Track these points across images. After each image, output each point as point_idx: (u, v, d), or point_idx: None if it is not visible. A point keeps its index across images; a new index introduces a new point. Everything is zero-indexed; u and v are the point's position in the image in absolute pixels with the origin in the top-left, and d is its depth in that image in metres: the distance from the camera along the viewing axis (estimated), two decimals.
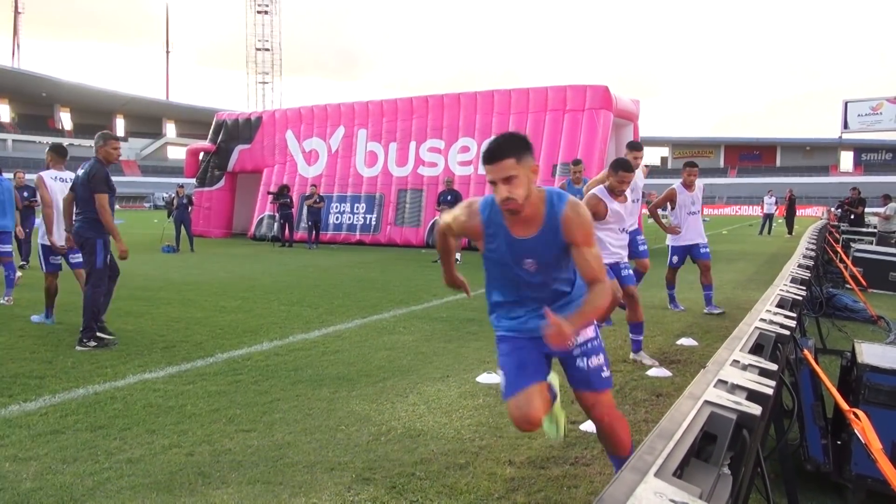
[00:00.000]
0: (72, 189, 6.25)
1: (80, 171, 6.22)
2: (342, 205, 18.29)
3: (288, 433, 3.66)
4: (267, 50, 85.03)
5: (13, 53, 75.38)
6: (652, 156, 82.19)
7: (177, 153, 75.89)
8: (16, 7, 75.47)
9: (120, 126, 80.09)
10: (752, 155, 78.21)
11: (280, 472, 3.15)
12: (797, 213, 25.83)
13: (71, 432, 3.63)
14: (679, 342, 5.93)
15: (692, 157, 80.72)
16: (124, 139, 78.63)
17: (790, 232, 23.07)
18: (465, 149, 16.96)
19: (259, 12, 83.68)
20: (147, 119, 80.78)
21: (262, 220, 19.56)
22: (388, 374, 4.84)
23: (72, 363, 5.06)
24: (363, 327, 6.57)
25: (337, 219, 18.25)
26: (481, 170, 16.52)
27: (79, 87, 71.03)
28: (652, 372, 4.87)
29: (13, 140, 68.47)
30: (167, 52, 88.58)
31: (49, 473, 3.11)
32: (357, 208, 18.13)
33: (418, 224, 17.16)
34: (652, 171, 75.46)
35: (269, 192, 18.81)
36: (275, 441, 3.54)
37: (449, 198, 13.53)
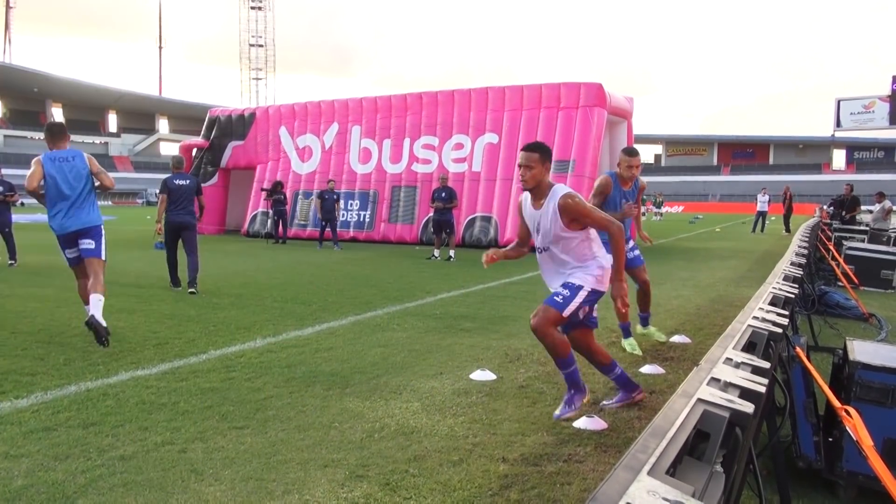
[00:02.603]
0: (170, 192, 8.63)
1: (185, 182, 8.71)
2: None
3: (281, 430, 3.65)
4: (260, 46, 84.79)
5: (4, 49, 74.81)
6: (645, 153, 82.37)
7: (170, 149, 75.58)
8: (7, 2, 74.88)
9: (112, 122, 79.70)
10: (745, 153, 78.48)
11: (273, 469, 3.15)
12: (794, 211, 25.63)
13: (63, 429, 3.61)
14: (672, 339, 5.95)
15: (686, 154, 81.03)
16: (116, 135, 78.31)
17: (787, 230, 23.02)
18: (459, 146, 16.94)
19: (252, 8, 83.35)
20: (140, 115, 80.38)
21: (255, 216, 19.52)
22: (381, 372, 4.84)
23: (64, 360, 5.03)
24: (357, 324, 6.57)
25: None
26: (475, 166, 16.56)
27: (71, 83, 70.61)
28: (645, 369, 4.89)
29: (4, 135, 68.03)
30: (160, 47, 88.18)
31: (41, 471, 3.10)
32: (351, 205, 18.11)
33: (412, 221, 17.14)
34: (645, 169, 75.78)
35: (262, 189, 18.76)
36: (268, 438, 3.53)
37: (443, 195, 13.50)
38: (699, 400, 1.35)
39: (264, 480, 3.04)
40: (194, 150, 21.47)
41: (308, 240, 18.00)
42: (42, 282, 9.32)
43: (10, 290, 8.47)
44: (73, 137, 73.29)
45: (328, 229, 15.98)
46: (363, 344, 5.70)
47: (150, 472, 3.10)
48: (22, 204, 12.47)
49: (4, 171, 12.47)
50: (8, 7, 75.37)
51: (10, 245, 11.46)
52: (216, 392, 4.30)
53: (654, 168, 79.76)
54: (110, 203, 54.14)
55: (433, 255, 13.44)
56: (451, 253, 13.27)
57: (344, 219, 17.95)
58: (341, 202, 17.12)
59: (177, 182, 8.67)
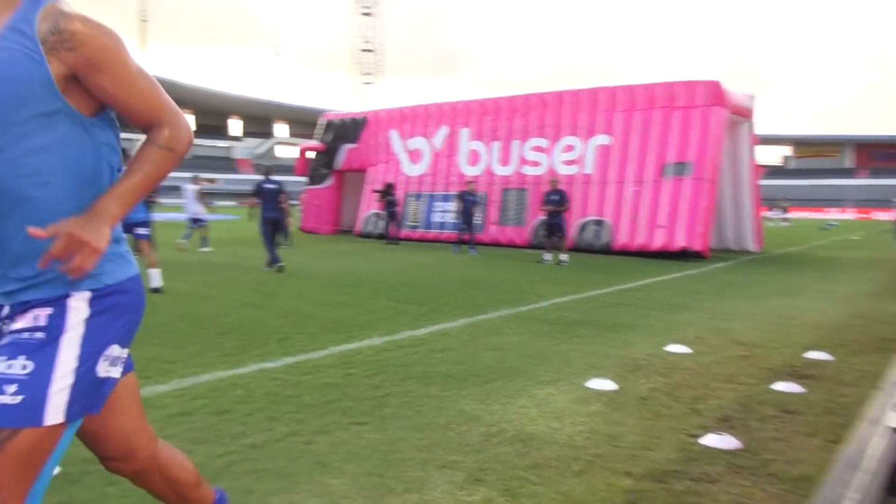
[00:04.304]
0: (261, 193, 11.03)
1: (272, 186, 11.02)
2: (445, 204, 18.44)
3: (399, 429, 3.69)
4: (370, 51, 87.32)
5: (141, 60, 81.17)
6: (771, 155, 77.47)
7: (285, 152, 79.46)
8: (141, 16, 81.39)
9: (236, 126, 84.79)
10: (887, 154, 71.81)
11: (393, 467, 3.18)
12: None
13: (199, 415, 3.82)
14: (808, 355, 5.51)
15: (815, 156, 75.63)
16: (239, 139, 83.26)
17: None
18: (570, 148, 16.70)
19: (363, 14, 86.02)
20: (259, 120, 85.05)
21: (368, 217, 20.08)
22: (496, 375, 4.80)
23: (197, 350, 5.35)
24: (469, 326, 6.57)
25: (440, 217, 18.43)
26: (587, 169, 16.23)
27: (199, 90, 75.76)
28: (779, 386, 4.56)
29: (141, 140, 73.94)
30: (276, 55, 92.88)
31: (182, 452, 3.28)
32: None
33: (522, 223, 17.04)
34: (772, 173, 71.37)
35: (374, 190, 19.28)
36: (387, 436, 3.58)
37: (555, 197, 13.32)
38: (891, 428, 1.21)
39: (385, 477, 3.07)
40: (310, 153, 22.43)
41: (419, 241, 18.28)
42: (175, 276, 9.99)
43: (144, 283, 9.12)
44: (200, 142, 78.64)
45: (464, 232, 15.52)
46: (477, 346, 5.69)
47: (278, 460, 3.22)
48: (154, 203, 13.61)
49: None
50: (142, 21, 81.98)
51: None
52: (336, 387, 4.42)
53: (781, 171, 75.02)
54: (235, 203, 57.35)
55: (543, 259, 13.28)
56: (563, 257, 13.06)
57: (453, 221, 18.10)
58: (482, 205, 16.61)
59: (266, 186, 10.98)
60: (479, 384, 4.57)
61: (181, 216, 16.59)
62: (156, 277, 8.31)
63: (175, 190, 57.41)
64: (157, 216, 14.83)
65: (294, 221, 17.34)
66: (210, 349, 5.39)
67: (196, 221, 15.02)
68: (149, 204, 12.59)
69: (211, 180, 70.89)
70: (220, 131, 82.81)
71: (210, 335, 5.91)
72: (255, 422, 3.74)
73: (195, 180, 15.53)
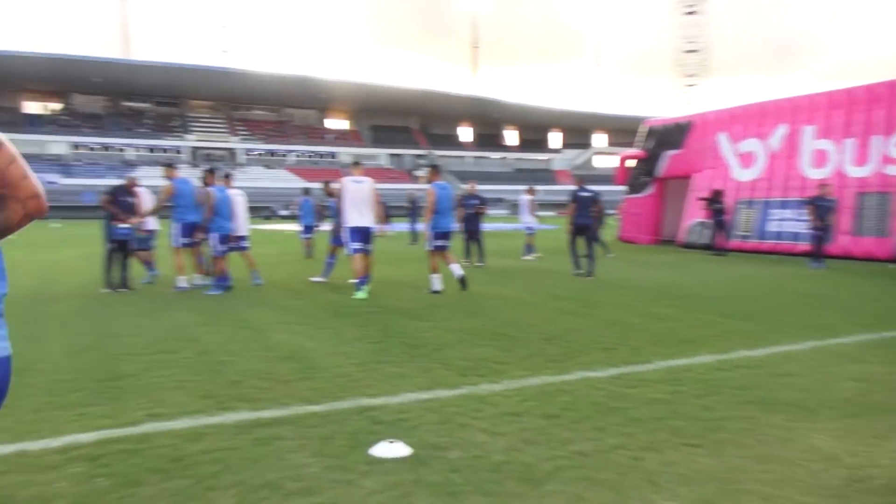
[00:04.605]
0: (576, 201, 11.60)
1: (587, 194, 11.63)
2: (783, 211, 16.53)
3: (737, 457, 3.37)
4: (695, 51, 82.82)
5: (472, 83, 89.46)
6: None
7: (603, 161, 79.77)
8: (473, 44, 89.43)
9: (556, 139, 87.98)
10: None
11: (733, 499, 2.91)
12: None
13: (528, 417, 3.99)
14: None
15: None
16: (558, 151, 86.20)
17: None
18: None
19: (687, 14, 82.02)
20: (578, 131, 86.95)
21: (692, 226, 19.00)
22: (858, 410, 4.10)
23: (525, 354, 5.62)
24: (818, 351, 5.74)
25: (777, 226, 16.58)
26: None
27: (521, 107, 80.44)
28: None
29: (474, 156, 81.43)
30: (597, 65, 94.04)
31: (514, 451, 3.46)
32: (802, 215, 16.15)
33: (884, 233, 14.41)
34: None
35: (700, 198, 18.17)
36: (724, 463, 3.30)
37: None
38: None
39: None
40: (628, 161, 22.12)
41: (751, 253, 16.70)
42: (500, 282, 10.72)
43: (481, 288, 9.92)
44: (522, 156, 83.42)
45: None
46: (830, 374, 4.94)
47: (607, 472, 3.18)
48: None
49: (476, 187, 14.82)
50: (474, 48, 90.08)
51: (480, 249, 13.60)
52: (665, 404, 4.23)
53: None
54: (554, 213, 59.39)
55: None
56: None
57: (793, 230, 16.08)
58: (833, 212, 14.31)
59: (581, 194, 11.65)
60: (835, 418, 3.95)
61: (515, 226, 17.76)
62: (457, 269, 9.42)
63: (500, 202, 61.76)
64: (488, 226, 16.19)
65: (610, 231, 17.30)
66: (536, 353, 5.62)
67: (528, 229, 15.90)
68: (478, 215, 13.81)
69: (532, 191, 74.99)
70: (540, 145, 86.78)
71: (536, 340, 6.16)
72: (583, 430, 3.77)
73: (529, 191, 16.48)
